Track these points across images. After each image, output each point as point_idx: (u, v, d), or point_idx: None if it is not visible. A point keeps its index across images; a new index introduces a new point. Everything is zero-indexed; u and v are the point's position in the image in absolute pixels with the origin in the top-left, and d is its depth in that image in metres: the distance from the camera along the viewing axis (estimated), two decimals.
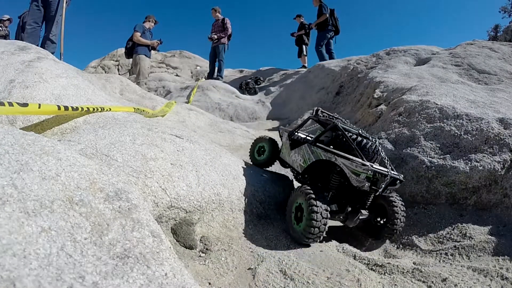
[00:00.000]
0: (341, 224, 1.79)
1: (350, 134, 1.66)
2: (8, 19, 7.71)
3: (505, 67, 3.77)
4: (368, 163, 1.44)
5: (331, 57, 7.00)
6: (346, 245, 1.69)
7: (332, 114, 1.96)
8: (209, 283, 1.20)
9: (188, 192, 1.49)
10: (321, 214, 1.42)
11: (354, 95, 4.57)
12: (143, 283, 0.71)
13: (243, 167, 2.08)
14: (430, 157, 2.10)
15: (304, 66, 7.60)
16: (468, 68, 3.85)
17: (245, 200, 1.80)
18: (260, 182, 2.03)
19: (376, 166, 1.50)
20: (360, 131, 1.72)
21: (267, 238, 1.64)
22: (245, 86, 7.12)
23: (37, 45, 3.74)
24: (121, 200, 0.94)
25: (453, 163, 1.99)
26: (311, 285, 1.25)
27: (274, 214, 1.91)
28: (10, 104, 1.33)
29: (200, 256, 1.36)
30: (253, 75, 8.37)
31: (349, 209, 1.62)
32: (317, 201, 1.43)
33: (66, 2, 4.44)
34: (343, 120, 1.93)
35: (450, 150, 2.09)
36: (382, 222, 1.72)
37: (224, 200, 1.66)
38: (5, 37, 7.14)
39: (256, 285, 1.23)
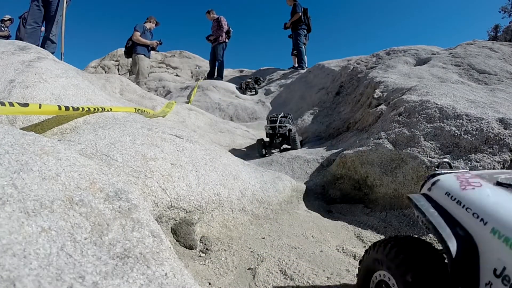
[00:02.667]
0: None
1: (272, 118, 3.70)
2: (9, 19, 7.70)
3: (505, 67, 3.77)
4: (268, 125, 3.60)
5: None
6: (346, 245, 1.69)
7: (277, 114, 3.80)
8: (209, 283, 1.21)
9: (188, 192, 1.49)
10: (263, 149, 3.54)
11: (354, 95, 4.57)
12: (143, 283, 0.71)
13: (243, 167, 2.08)
14: (430, 157, 2.10)
15: (296, 66, 7.64)
16: (468, 68, 3.86)
17: (245, 200, 1.80)
18: (260, 182, 2.03)
19: (271, 125, 3.55)
20: (276, 116, 3.70)
21: (267, 238, 1.64)
22: (245, 86, 7.11)
23: (37, 45, 3.74)
24: (121, 200, 0.94)
25: (453, 163, 1.99)
26: (311, 285, 1.25)
27: (275, 214, 1.91)
28: (11, 104, 1.33)
29: (200, 256, 1.36)
30: (253, 75, 8.37)
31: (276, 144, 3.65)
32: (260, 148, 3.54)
33: (66, 2, 4.44)
34: (278, 114, 3.78)
35: (450, 150, 2.09)
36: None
37: (224, 200, 1.66)
38: (7, 37, 7.15)
39: (256, 285, 1.23)
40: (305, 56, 7.59)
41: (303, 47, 7.40)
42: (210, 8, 7.62)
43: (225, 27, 7.34)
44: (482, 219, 0.65)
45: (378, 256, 0.91)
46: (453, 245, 0.67)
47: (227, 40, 7.48)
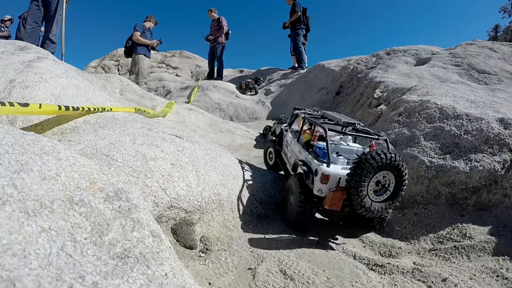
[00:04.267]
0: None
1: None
2: (9, 19, 7.70)
3: (505, 67, 3.77)
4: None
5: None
6: (346, 246, 1.69)
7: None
8: (209, 283, 1.20)
9: (188, 192, 1.49)
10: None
11: (354, 95, 4.57)
12: (143, 283, 0.71)
13: (243, 167, 2.08)
14: (430, 157, 2.10)
15: (296, 67, 7.63)
16: (468, 68, 3.86)
17: (245, 200, 1.80)
18: (260, 182, 2.03)
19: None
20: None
21: (267, 238, 1.64)
22: (245, 86, 7.11)
23: (37, 45, 3.74)
24: (121, 200, 0.94)
25: (453, 163, 1.99)
26: (311, 285, 1.25)
27: (274, 214, 1.91)
28: (11, 104, 1.33)
29: (200, 256, 1.36)
30: (253, 75, 8.37)
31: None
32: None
33: (66, 2, 4.43)
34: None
35: (450, 150, 2.09)
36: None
37: (224, 200, 1.66)
38: (7, 37, 7.14)
39: (256, 285, 1.23)
40: (305, 56, 7.59)
41: (302, 47, 7.39)
42: (213, 7, 7.64)
43: (225, 29, 7.32)
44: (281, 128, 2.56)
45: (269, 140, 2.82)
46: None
47: (225, 41, 7.47)
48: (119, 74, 8.97)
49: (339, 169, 1.63)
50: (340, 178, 1.57)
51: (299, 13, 7.20)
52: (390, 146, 1.78)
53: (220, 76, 7.69)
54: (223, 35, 7.41)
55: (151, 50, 6.37)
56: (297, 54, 7.46)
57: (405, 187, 1.61)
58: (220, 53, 7.42)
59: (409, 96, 2.81)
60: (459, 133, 2.14)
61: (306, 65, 7.64)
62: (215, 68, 7.75)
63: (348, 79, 5.20)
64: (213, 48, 7.46)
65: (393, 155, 1.51)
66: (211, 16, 7.57)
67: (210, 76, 7.89)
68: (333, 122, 1.90)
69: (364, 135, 1.83)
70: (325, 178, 1.58)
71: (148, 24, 6.29)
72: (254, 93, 7.06)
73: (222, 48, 7.45)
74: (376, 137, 1.81)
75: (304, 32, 7.52)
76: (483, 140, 2.04)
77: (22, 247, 0.61)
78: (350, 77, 5.21)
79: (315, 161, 1.71)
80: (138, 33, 5.94)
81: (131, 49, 6.11)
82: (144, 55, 6.13)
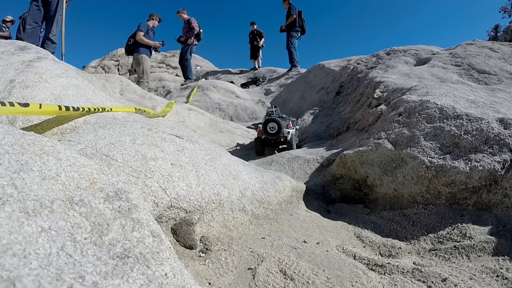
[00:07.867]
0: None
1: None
2: (11, 21, 7.74)
3: (505, 67, 3.77)
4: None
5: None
6: (346, 245, 1.69)
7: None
8: (209, 283, 1.20)
9: (188, 192, 1.49)
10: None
11: (354, 95, 4.57)
12: (143, 283, 0.71)
13: (243, 167, 2.08)
14: (430, 157, 2.10)
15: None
16: (468, 68, 3.86)
17: (245, 200, 1.80)
18: (260, 182, 2.03)
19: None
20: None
21: (267, 238, 1.64)
22: (251, 81, 7.42)
23: (37, 45, 3.74)
24: (121, 200, 0.94)
25: (453, 163, 1.99)
26: (311, 285, 1.25)
27: (275, 214, 1.91)
28: (11, 104, 1.33)
29: (200, 256, 1.36)
30: (253, 75, 8.39)
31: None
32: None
33: (66, 2, 4.43)
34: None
35: (450, 150, 2.09)
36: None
37: (224, 200, 1.66)
38: (7, 38, 7.16)
39: (256, 285, 1.23)
40: (297, 56, 7.85)
41: (293, 48, 7.59)
42: (181, 8, 7.72)
43: (196, 29, 7.29)
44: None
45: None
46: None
47: (196, 43, 7.45)
48: (119, 74, 8.98)
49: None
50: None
51: (295, 16, 7.44)
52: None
53: (189, 78, 7.74)
54: (193, 37, 7.46)
55: (153, 51, 6.38)
56: (289, 55, 7.81)
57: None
58: (186, 54, 7.45)
59: (409, 96, 2.81)
60: (459, 133, 2.14)
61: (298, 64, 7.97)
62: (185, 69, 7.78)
63: (348, 79, 5.20)
64: (182, 49, 7.51)
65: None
66: (182, 17, 7.59)
67: (186, 78, 7.93)
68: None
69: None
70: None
71: (152, 23, 6.30)
72: (246, 87, 7.36)
73: (190, 50, 7.52)
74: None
75: (299, 34, 7.82)
76: (483, 140, 2.03)
77: (22, 247, 0.61)
78: (350, 77, 5.21)
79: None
80: (141, 33, 5.95)
81: (133, 48, 6.11)
82: (147, 55, 6.14)
